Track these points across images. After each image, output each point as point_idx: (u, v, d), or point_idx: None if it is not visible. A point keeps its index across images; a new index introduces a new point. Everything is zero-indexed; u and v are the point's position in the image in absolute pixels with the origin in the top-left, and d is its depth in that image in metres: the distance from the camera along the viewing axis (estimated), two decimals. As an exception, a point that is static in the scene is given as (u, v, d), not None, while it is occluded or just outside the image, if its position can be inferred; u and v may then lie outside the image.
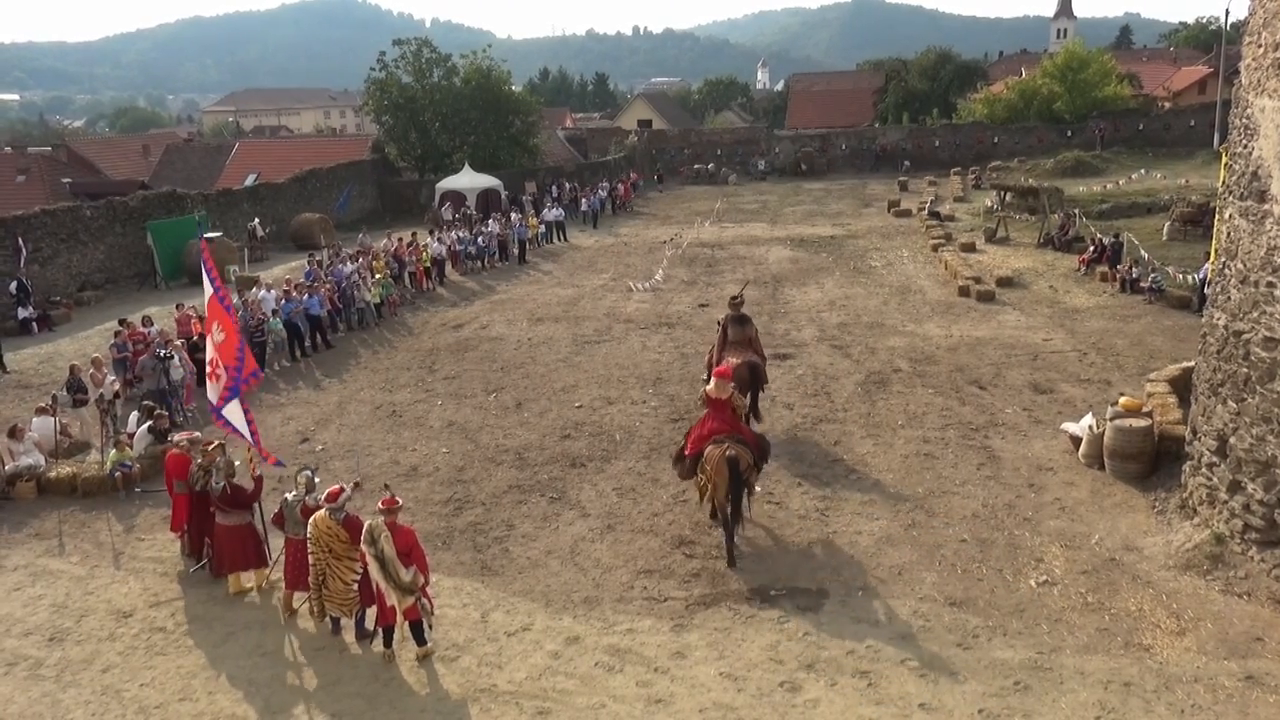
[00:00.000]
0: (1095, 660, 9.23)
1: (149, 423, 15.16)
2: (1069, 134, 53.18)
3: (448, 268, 29.58)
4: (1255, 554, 10.47)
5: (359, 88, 69.12)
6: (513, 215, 35.10)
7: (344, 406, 17.91)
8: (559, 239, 36.31)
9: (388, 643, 9.74)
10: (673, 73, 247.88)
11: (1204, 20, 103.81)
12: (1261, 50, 10.53)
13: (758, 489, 12.48)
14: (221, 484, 10.87)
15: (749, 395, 14.07)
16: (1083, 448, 13.76)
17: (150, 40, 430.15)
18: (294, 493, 10.64)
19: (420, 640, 9.67)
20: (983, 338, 20.35)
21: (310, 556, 9.98)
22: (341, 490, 9.93)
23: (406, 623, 9.56)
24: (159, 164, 55.25)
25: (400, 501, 9.83)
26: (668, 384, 18.29)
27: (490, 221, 33.83)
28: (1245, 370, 10.68)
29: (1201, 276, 20.41)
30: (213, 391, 11.84)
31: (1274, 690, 8.66)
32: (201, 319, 20.18)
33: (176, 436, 12.96)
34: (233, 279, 27.17)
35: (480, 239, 31.59)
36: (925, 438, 14.98)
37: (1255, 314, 10.53)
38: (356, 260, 25.77)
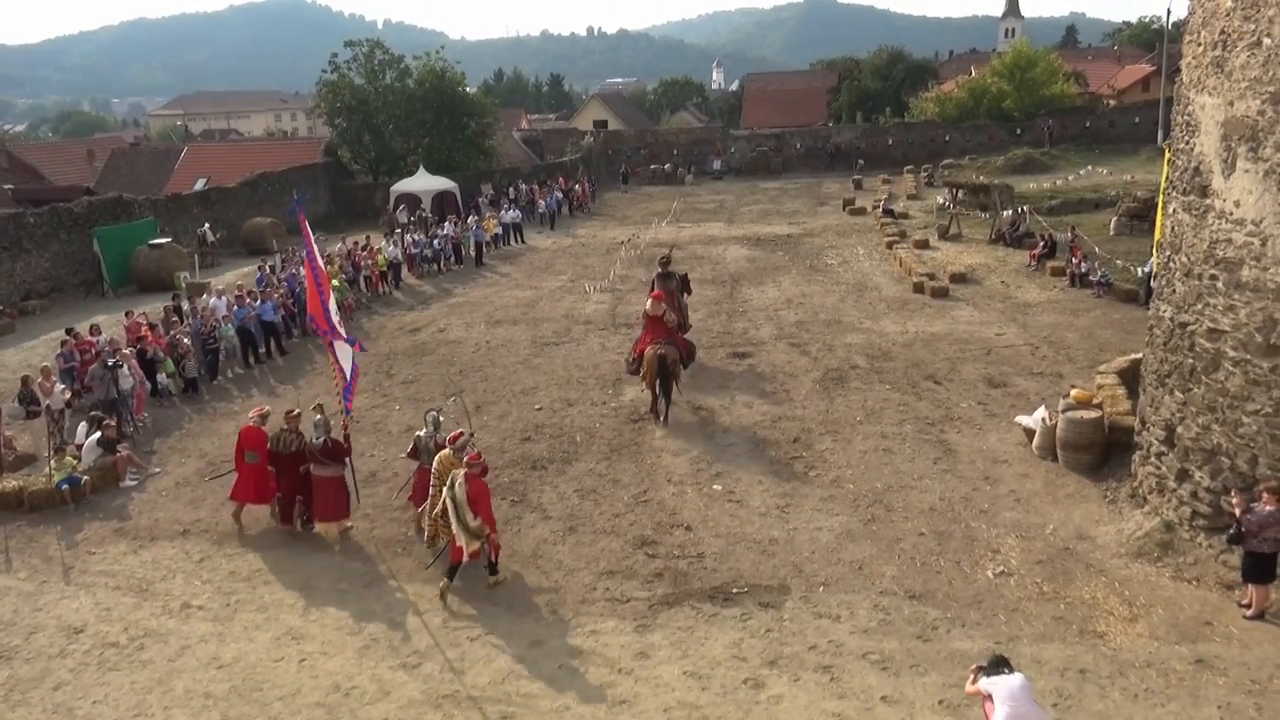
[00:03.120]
0: (1051, 648, 9.39)
1: (98, 434, 14.85)
2: (1018, 132, 54.06)
3: (403, 271, 29.31)
4: (1203, 540, 10.73)
5: (310, 90, 68.17)
6: (470, 218, 34.89)
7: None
8: (516, 241, 36.16)
9: (450, 576, 10.91)
10: (628, 73, 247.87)
11: (1147, 20, 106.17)
12: (1201, 49, 10.79)
13: (685, 379, 16.81)
14: (322, 438, 12.19)
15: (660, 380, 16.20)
16: (1036, 440, 13.99)
17: (94, 43, 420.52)
18: (425, 430, 12.43)
19: (493, 572, 11.10)
20: (937, 333, 20.62)
21: (431, 489, 11.49)
22: (462, 434, 11.69)
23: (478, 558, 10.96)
24: (105, 169, 54.04)
25: (482, 457, 11.19)
26: (628, 384, 18.28)
27: (446, 224, 33.59)
28: (1191, 361, 10.93)
29: (1147, 270, 20.85)
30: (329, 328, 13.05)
31: (1223, 673, 8.88)
32: (153, 327, 19.90)
33: (251, 414, 13.59)
34: (183, 285, 26.69)
35: (436, 242, 31.35)
36: (883, 433, 15.14)
37: (1199, 306, 10.78)
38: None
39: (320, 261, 13.40)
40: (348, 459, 12.52)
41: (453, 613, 10.63)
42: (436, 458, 11.52)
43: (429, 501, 11.63)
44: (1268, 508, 9.51)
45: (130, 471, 14.86)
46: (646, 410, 16.26)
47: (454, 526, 10.63)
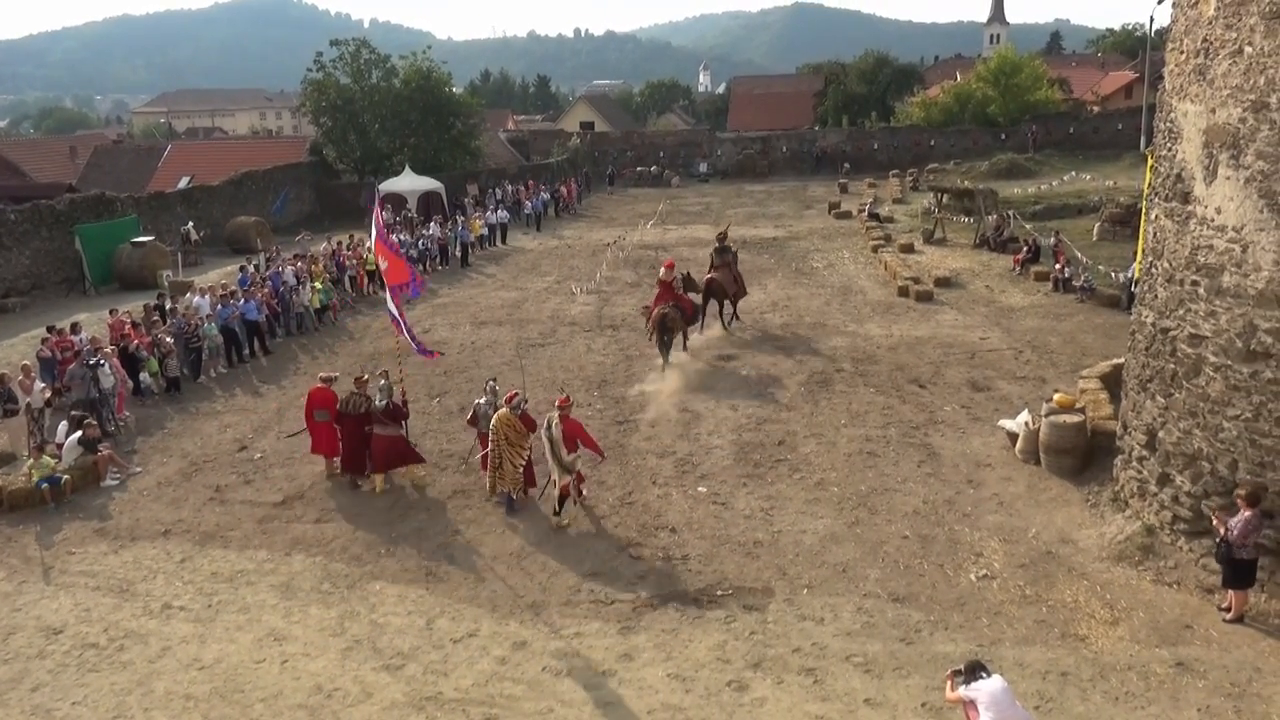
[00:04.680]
0: (1034, 651, 9.44)
1: (78, 433, 14.72)
2: (1003, 137, 54.34)
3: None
4: (1184, 544, 10.81)
5: (295, 89, 67.91)
6: (457, 218, 34.81)
7: (283, 413, 17.57)
8: (501, 242, 36.09)
9: (557, 509, 12.44)
10: (615, 75, 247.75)
11: (1130, 27, 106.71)
12: (1184, 56, 10.88)
13: (692, 338, 20.31)
14: (385, 402, 13.75)
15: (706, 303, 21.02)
16: (1019, 444, 14.07)
17: (77, 39, 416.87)
18: (484, 398, 13.75)
19: (557, 511, 12.43)
20: (922, 337, 20.71)
21: (490, 444, 12.84)
22: (517, 394, 13.01)
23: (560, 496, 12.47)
24: (87, 166, 53.53)
25: (571, 400, 13.23)
26: (612, 386, 18.28)
27: (431, 224, 33.49)
28: (1172, 366, 11.02)
29: (1130, 276, 21.00)
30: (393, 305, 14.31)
31: (1203, 676, 8.95)
32: (136, 325, 19.74)
33: (319, 376, 15.14)
34: (165, 284, 26.50)
35: (421, 242, 31.25)
36: (867, 436, 15.18)
37: (1181, 312, 10.87)
38: (295, 264, 25.30)
39: (385, 236, 14.86)
40: (405, 420, 14.10)
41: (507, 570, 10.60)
42: (495, 416, 12.82)
43: (489, 457, 13.01)
44: (1245, 513, 9.59)
45: (111, 471, 14.74)
46: (656, 351, 19.42)
47: (550, 462, 12.35)
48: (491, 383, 14.31)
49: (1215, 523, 9.93)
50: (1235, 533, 9.57)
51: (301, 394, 18.58)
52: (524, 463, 12.86)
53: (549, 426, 12.35)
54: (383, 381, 14.12)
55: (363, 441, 13.93)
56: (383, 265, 14.51)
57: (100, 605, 11.03)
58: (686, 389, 17.80)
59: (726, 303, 21.39)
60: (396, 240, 14.81)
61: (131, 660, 9.91)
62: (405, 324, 14.36)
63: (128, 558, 12.21)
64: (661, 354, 19.11)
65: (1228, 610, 9.84)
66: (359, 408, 13.92)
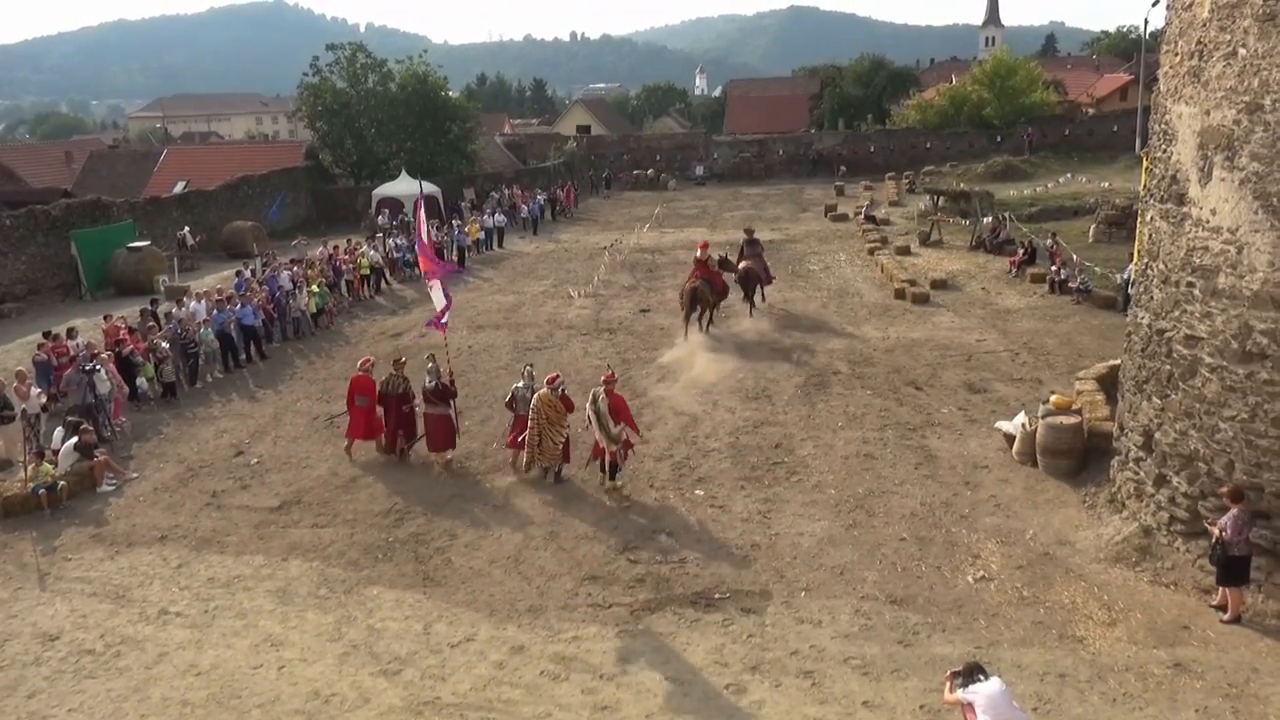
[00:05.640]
0: (1032, 653, 9.45)
1: (75, 438, 14.69)
2: (998, 139, 54.46)
3: (386, 275, 29.17)
4: (1181, 545, 10.81)
5: (292, 93, 67.79)
6: (453, 222, 34.79)
7: (280, 418, 17.56)
8: (498, 245, 36.09)
9: (612, 476, 13.48)
10: (611, 78, 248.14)
11: (1125, 29, 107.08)
12: (1178, 59, 10.91)
13: (719, 311, 22.13)
14: (433, 382, 14.52)
15: (747, 291, 22.88)
16: (1016, 445, 14.08)
17: (73, 44, 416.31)
18: (521, 382, 14.55)
19: (612, 476, 13.46)
20: (919, 339, 20.72)
21: (530, 424, 13.70)
22: (556, 376, 14.09)
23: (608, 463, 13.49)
24: (83, 171, 53.38)
25: (616, 376, 14.24)
26: (610, 389, 18.26)
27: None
28: (1168, 367, 11.03)
29: (1126, 277, 21.02)
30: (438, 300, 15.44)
31: (1200, 676, 8.96)
32: (132, 330, 19.71)
33: (359, 363, 16.09)
34: (161, 289, 26.47)
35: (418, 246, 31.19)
36: (865, 438, 15.19)
37: (1176, 313, 10.88)
38: (291, 268, 25.28)
39: (424, 229, 16.65)
40: (452, 400, 14.86)
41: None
42: (536, 395, 13.75)
43: (528, 434, 13.88)
44: (1234, 510, 9.68)
45: (108, 476, 14.71)
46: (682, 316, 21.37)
47: (597, 433, 13.31)
48: (529, 368, 15.16)
49: (1208, 524, 9.96)
50: (1229, 530, 9.61)
51: (298, 399, 18.64)
52: (563, 440, 13.95)
53: (595, 400, 13.28)
54: (431, 364, 14.94)
55: (401, 419, 15.16)
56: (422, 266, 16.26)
57: (96, 611, 11.00)
58: (695, 388, 18.09)
59: (758, 289, 23.27)
60: (427, 238, 16.44)
61: (128, 666, 9.88)
62: (445, 303, 15.48)
63: (124, 563, 12.18)
64: (685, 324, 21.08)
65: (1223, 610, 9.85)
66: (398, 388, 15.10)
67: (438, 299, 15.42)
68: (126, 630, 10.56)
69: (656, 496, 13.48)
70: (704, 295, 20.94)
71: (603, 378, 13.95)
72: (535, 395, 13.85)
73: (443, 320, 15.32)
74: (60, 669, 9.89)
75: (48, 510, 13.62)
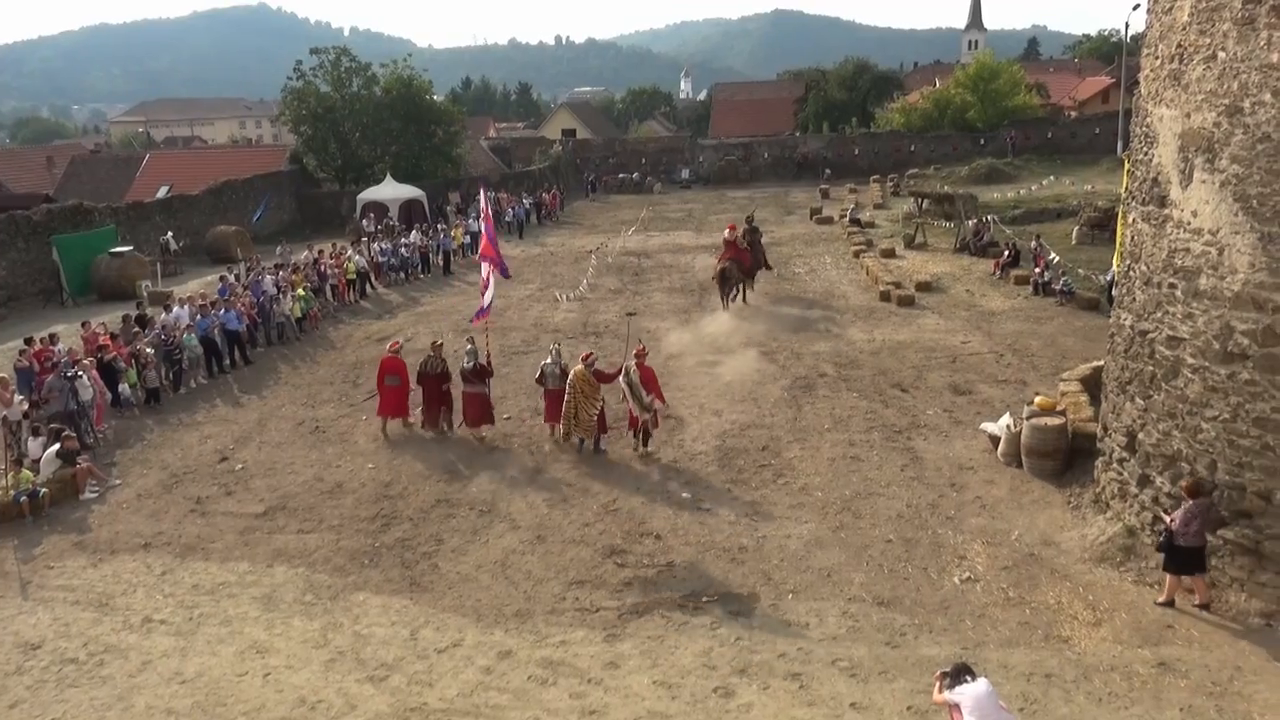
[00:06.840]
0: (1018, 653, 9.49)
1: (56, 445, 14.57)
2: (982, 142, 54.80)
3: (371, 279, 29.07)
4: (1164, 545, 10.87)
5: (275, 97, 67.53)
6: (438, 226, 34.72)
7: (264, 423, 17.46)
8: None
9: (645, 443, 14.92)
10: (596, 82, 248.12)
11: (1106, 33, 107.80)
12: (1159, 62, 11.00)
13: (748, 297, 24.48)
14: (472, 363, 15.53)
15: (723, 291, 24.16)
16: (1001, 446, 14.14)
17: (54, 48, 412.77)
18: (549, 360, 15.72)
19: (644, 443, 14.88)
20: (904, 341, 20.80)
21: (566, 397, 14.80)
22: (591, 354, 15.28)
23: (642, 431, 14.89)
24: (64, 176, 53.03)
25: (647, 350, 15.63)
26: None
27: (412, 232, 33.39)
28: (1151, 368, 11.11)
29: (1108, 279, 21.15)
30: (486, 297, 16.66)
31: (1185, 675, 9.02)
32: (114, 336, 19.54)
33: (389, 346, 17.18)
34: (144, 294, 26.28)
35: (403, 250, 31.15)
36: (851, 440, 15.23)
37: (1159, 314, 10.96)
38: (276, 273, 25.16)
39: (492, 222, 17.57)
40: (489, 379, 15.87)
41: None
42: (572, 373, 14.83)
43: (564, 408, 14.90)
44: (1187, 502, 9.93)
45: (90, 483, 14.59)
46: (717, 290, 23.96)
47: (631, 403, 14.61)
48: (555, 346, 16.46)
49: (1163, 513, 10.30)
50: (1178, 521, 9.87)
51: (282, 404, 18.56)
52: (597, 412, 14.94)
53: (627, 373, 14.51)
54: (470, 346, 15.96)
55: (439, 397, 16.12)
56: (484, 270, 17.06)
57: (79, 620, 10.90)
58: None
59: (737, 287, 24.83)
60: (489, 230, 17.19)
61: (111, 675, 9.79)
62: (490, 287, 16.55)
63: (107, 571, 12.08)
64: (722, 299, 23.74)
65: (1205, 608, 9.97)
66: (436, 368, 16.08)
67: (489, 293, 16.50)
68: (110, 638, 10.47)
69: (643, 500, 13.46)
70: (732, 274, 23.56)
71: (634, 351, 15.07)
72: (571, 372, 14.93)
73: (486, 308, 16.48)
74: (43, 678, 9.79)
75: (29, 518, 13.50)
